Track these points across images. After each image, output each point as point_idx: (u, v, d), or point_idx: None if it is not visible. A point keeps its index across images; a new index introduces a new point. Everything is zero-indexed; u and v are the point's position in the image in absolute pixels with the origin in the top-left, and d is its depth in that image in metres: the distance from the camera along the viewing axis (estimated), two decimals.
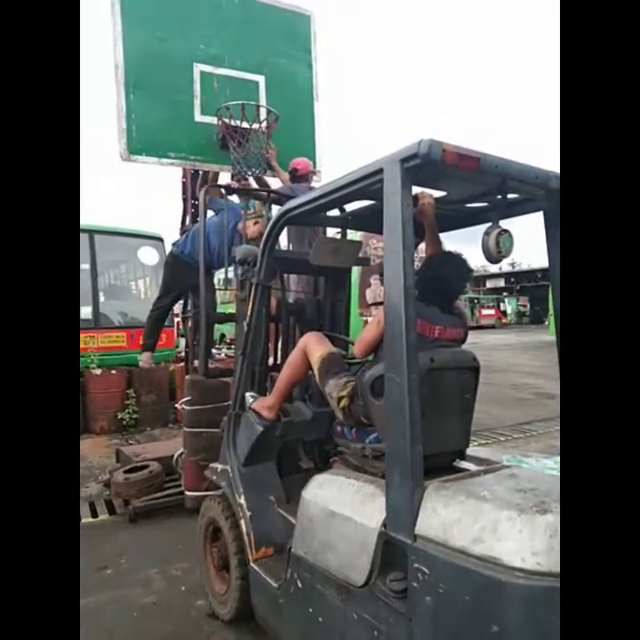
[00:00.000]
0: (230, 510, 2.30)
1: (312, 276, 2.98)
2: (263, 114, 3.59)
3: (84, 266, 7.09)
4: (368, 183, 1.66)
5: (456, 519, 1.28)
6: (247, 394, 2.34)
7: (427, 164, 1.43)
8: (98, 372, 6.23)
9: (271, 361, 2.88)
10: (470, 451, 1.96)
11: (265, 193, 3.22)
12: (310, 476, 1.95)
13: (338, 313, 2.83)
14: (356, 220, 2.39)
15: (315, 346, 2.11)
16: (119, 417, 6.10)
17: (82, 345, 6.66)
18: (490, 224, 1.72)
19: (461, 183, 1.77)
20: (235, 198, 3.81)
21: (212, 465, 2.56)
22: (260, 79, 3.82)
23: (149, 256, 7.84)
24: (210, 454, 3.49)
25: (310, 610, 1.72)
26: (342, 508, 1.62)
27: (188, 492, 3.51)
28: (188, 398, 3.62)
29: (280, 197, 3.10)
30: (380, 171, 1.55)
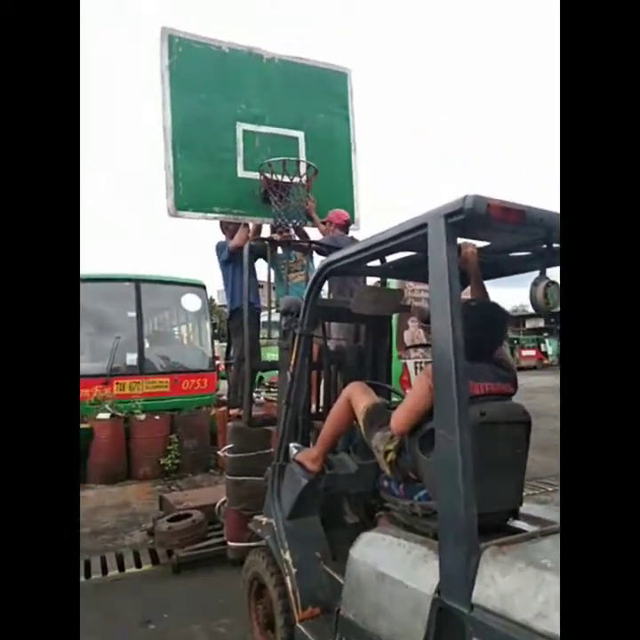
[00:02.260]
0: (275, 566, 2.25)
1: (353, 323, 2.98)
2: (303, 168, 3.72)
3: (131, 313, 7.39)
4: (411, 237, 1.68)
5: (516, 589, 1.21)
6: (291, 445, 2.33)
7: (471, 218, 1.43)
8: (142, 417, 6.33)
9: (313, 408, 2.88)
10: (523, 508, 1.87)
11: (306, 244, 3.31)
12: (356, 531, 1.89)
13: (379, 359, 2.82)
14: (397, 270, 2.40)
15: (359, 396, 2.09)
16: (162, 462, 6.14)
17: (127, 390, 6.86)
18: (536, 274, 1.70)
19: (505, 234, 1.76)
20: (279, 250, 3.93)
21: (256, 517, 2.52)
22: (300, 135, 3.97)
23: (192, 302, 8.06)
24: (252, 503, 3.47)
25: None
26: (393, 571, 1.57)
27: (230, 543, 3.47)
28: (231, 446, 3.63)
29: (321, 247, 3.17)
30: (424, 225, 1.57)
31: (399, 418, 1.82)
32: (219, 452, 3.78)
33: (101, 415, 6.21)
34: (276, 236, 3.61)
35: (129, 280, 7.42)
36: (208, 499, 4.27)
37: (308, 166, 3.75)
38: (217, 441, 6.35)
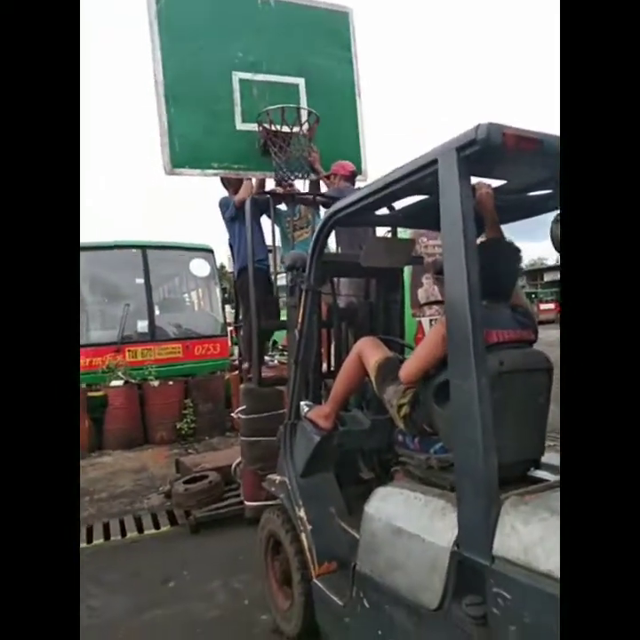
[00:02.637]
0: (290, 523, 2.23)
1: (363, 278, 2.89)
2: (304, 116, 3.52)
3: (139, 280, 7.34)
4: (420, 177, 1.56)
5: (539, 539, 1.15)
6: (302, 403, 2.28)
7: (486, 150, 1.31)
8: (156, 383, 6.37)
9: (325, 367, 2.82)
10: (545, 457, 1.81)
11: (311, 196, 3.16)
12: (371, 487, 1.85)
13: (392, 315, 2.73)
14: (408, 218, 2.28)
15: (370, 351, 2.02)
16: (178, 427, 6.20)
17: (139, 357, 6.90)
18: (556, 213, 1.58)
19: (522, 169, 1.64)
20: (283, 206, 3.79)
21: (269, 476, 2.51)
22: (300, 81, 3.75)
23: (201, 268, 7.98)
24: (267, 463, 3.46)
25: (379, 632, 1.62)
26: (409, 525, 1.52)
27: (247, 503, 3.49)
28: (243, 407, 3.61)
29: (327, 200, 3.04)
30: (434, 162, 1.45)
31: (410, 368, 1.75)
32: (232, 414, 3.77)
33: (115, 382, 6.26)
34: (279, 190, 3.47)
35: (135, 247, 7.35)
36: (224, 460, 4.29)
37: (309, 114, 3.54)
38: (231, 404, 6.36)
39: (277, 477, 2.40)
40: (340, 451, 2.26)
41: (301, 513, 2.13)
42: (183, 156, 3.42)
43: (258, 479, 3.49)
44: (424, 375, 1.74)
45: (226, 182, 4.03)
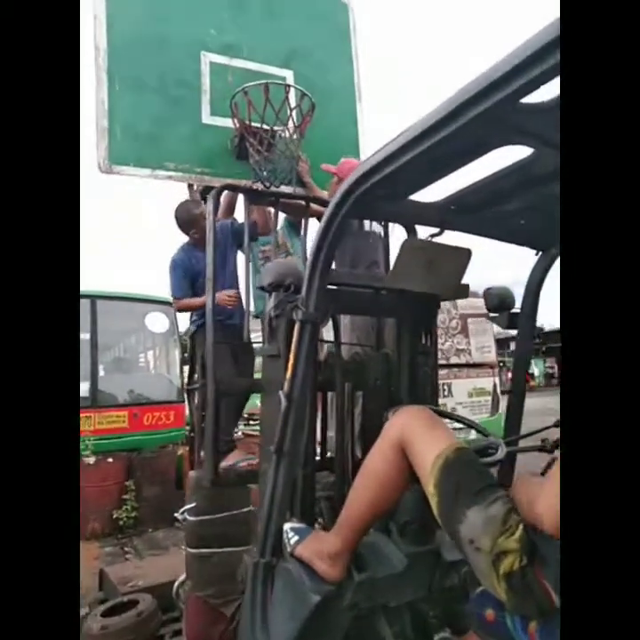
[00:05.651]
0: None
1: (375, 317, 2.00)
2: (292, 99, 2.68)
3: (84, 335, 6.35)
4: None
5: None
6: (286, 526, 1.29)
7: None
8: (91, 460, 5.20)
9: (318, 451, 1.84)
10: None
11: (302, 201, 2.22)
12: None
13: (419, 375, 1.80)
14: (464, 212, 1.41)
15: (424, 435, 1.08)
16: (114, 516, 5.02)
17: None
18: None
19: None
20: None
21: None
22: (288, 74, 2.99)
23: (158, 322, 7.09)
24: (222, 588, 2.44)
25: None
26: None
27: None
28: (192, 505, 2.56)
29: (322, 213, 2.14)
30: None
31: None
32: (176, 515, 2.70)
33: None
34: (259, 186, 2.55)
35: (82, 297, 6.42)
36: (165, 573, 3.18)
37: (303, 97, 2.73)
38: (184, 485, 5.28)
39: None
40: (353, 613, 1.26)
41: None
42: (127, 149, 2.57)
43: (208, 611, 2.46)
44: None
45: (185, 221, 2.89)
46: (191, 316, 3.17)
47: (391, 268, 1.40)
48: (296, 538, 1.24)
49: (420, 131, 0.98)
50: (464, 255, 1.48)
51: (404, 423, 1.12)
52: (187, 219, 2.87)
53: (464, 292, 1.67)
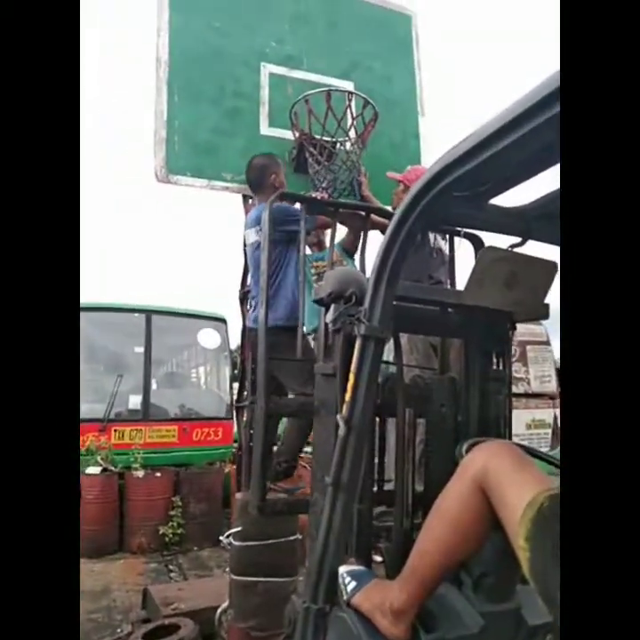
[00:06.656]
0: None
1: (439, 337, 1.84)
2: (354, 110, 2.56)
3: (138, 349, 6.45)
4: None
5: None
6: (342, 569, 1.14)
7: None
8: (140, 474, 5.20)
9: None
10: None
11: (363, 212, 2.08)
12: None
13: (491, 404, 1.61)
14: (554, 219, 1.25)
15: (510, 476, 0.91)
16: (161, 532, 4.95)
17: (127, 439, 5.78)
18: None
19: None
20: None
21: None
22: (349, 85, 2.91)
23: (210, 339, 7.11)
24: (266, 619, 2.31)
25: None
26: None
27: None
28: (238, 529, 2.44)
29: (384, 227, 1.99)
30: None
31: None
32: (221, 538, 2.59)
33: (91, 470, 5.11)
34: (320, 195, 2.43)
35: (138, 311, 6.55)
36: (208, 597, 3.09)
37: (366, 105, 2.58)
38: (231, 504, 5.17)
39: None
40: None
41: None
42: (184, 159, 2.56)
43: None
44: None
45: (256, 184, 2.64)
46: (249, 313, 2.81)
47: (467, 282, 1.25)
48: (353, 584, 1.09)
49: (511, 117, 0.84)
50: (550, 269, 1.31)
51: (487, 462, 0.95)
52: (259, 174, 2.64)
53: (545, 312, 1.48)
